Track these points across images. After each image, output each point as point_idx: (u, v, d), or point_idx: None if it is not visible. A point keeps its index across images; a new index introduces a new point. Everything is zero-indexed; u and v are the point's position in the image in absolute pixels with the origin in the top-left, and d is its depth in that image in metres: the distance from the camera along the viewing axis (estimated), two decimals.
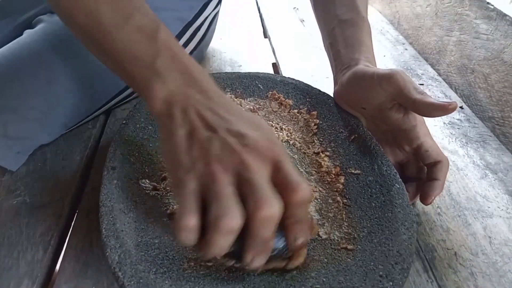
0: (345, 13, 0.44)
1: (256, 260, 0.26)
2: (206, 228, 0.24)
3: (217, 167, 0.25)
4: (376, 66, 0.42)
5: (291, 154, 0.42)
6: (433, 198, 0.35)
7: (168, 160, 0.28)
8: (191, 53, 0.58)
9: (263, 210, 0.23)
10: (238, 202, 0.24)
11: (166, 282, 0.28)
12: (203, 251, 0.25)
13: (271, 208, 0.24)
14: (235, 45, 0.73)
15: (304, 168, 0.40)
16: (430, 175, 0.36)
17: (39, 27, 0.47)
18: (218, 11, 0.62)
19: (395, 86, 0.36)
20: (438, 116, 0.35)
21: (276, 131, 0.44)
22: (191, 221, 0.24)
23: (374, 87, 0.37)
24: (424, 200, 0.36)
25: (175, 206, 0.35)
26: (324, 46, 0.48)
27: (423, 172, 0.38)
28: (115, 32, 0.27)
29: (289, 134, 0.44)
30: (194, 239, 0.24)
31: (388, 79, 0.36)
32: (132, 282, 0.27)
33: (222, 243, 0.24)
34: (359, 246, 0.32)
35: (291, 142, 0.43)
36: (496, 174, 0.45)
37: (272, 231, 0.25)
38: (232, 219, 0.23)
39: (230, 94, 0.48)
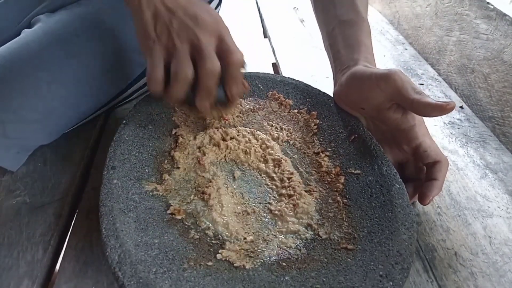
0: (345, 13, 0.45)
1: (203, 102, 0.36)
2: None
3: (177, 39, 0.34)
4: (375, 66, 0.42)
5: (291, 154, 0.42)
6: (431, 198, 0.35)
7: (139, 36, 0.37)
8: None
9: (207, 65, 0.34)
10: (191, 62, 0.34)
11: (166, 282, 0.28)
12: (168, 96, 0.36)
13: (213, 64, 0.34)
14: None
15: (304, 168, 0.40)
16: (429, 175, 0.36)
17: (37, 26, 0.46)
18: (218, 11, 0.62)
19: (393, 86, 0.36)
20: (436, 116, 0.35)
21: (276, 131, 0.44)
22: (157, 74, 0.34)
23: (372, 87, 0.37)
24: (422, 200, 0.36)
25: (173, 203, 0.35)
26: (324, 46, 0.48)
27: (422, 172, 0.38)
28: None
29: (289, 134, 0.44)
30: (160, 88, 0.35)
31: (386, 79, 0.36)
32: (132, 282, 0.27)
33: (180, 89, 0.35)
34: (359, 246, 0.32)
35: (291, 142, 0.43)
36: (496, 174, 0.45)
37: (214, 81, 0.35)
38: (186, 71, 0.34)
39: None
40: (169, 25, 0.34)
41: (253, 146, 0.41)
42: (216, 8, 0.60)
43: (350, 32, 0.43)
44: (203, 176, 0.39)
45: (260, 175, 0.40)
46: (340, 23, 0.44)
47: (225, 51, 0.35)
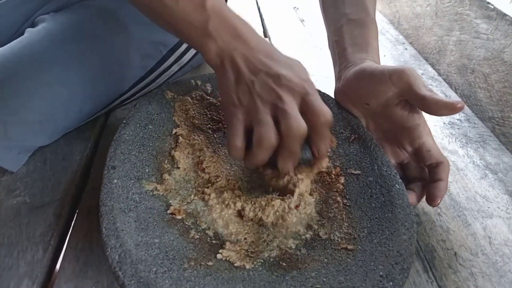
0: (354, 12, 0.44)
1: (287, 166, 0.35)
2: (250, 148, 0.34)
3: (259, 101, 0.33)
4: None
5: None
6: (440, 199, 0.35)
7: (222, 100, 0.36)
8: (192, 57, 0.58)
9: (292, 130, 0.32)
10: (274, 126, 0.33)
11: (166, 281, 0.28)
12: (249, 162, 0.35)
13: (298, 125, 0.32)
14: None
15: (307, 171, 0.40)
16: (434, 176, 0.36)
17: (41, 26, 0.46)
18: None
19: (405, 81, 0.36)
20: (445, 115, 0.35)
21: None
22: (238, 142, 0.33)
23: (384, 81, 0.37)
24: (432, 201, 0.35)
25: (173, 203, 0.35)
26: (329, 42, 0.48)
27: (424, 172, 0.38)
28: (173, 5, 0.34)
29: None
30: (240, 155, 0.34)
31: (399, 74, 0.36)
32: (132, 282, 0.27)
33: (263, 155, 0.33)
34: (359, 246, 0.32)
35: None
36: (496, 174, 0.45)
37: (299, 144, 0.33)
38: (270, 138, 0.32)
39: None
40: (251, 87, 0.33)
41: None
42: None
43: (359, 32, 0.43)
44: (203, 176, 0.39)
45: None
46: (348, 21, 0.44)
47: (312, 111, 0.33)
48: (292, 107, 0.32)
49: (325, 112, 0.33)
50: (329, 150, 0.39)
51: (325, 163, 0.38)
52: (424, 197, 0.37)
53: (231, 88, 0.34)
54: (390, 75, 0.37)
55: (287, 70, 0.33)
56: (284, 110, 0.32)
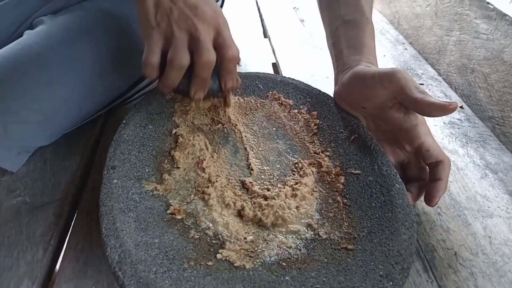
0: (349, 13, 0.44)
1: (198, 92, 0.38)
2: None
3: (175, 27, 0.35)
4: (377, 67, 0.42)
5: (291, 154, 0.42)
6: (438, 199, 0.35)
7: (140, 23, 0.37)
8: None
9: (203, 57, 0.35)
10: (187, 51, 0.36)
11: (166, 281, 0.28)
12: (162, 83, 0.37)
13: (209, 56, 0.35)
14: None
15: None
16: (433, 175, 0.36)
17: (40, 28, 0.46)
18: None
19: (396, 85, 0.36)
20: (438, 116, 0.35)
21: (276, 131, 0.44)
22: (153, 59, 0.35)
23: (375, 85, 0.37)
24: (430, 201, 0.35)
25: (173, 203, 0.35)
26: (327, 45, 0.48)
27: (424, 172, 0.38)
28: None
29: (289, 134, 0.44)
30: (155, 73, 0.36)
31: (389, 77, 0.36)
32: (132, 282, 0.27)
33: (174, 76, 0.36)
34: (359, 246, 0.32)
35: (291, 142, 0.43)
36: (496, 174, 0.45)
37: (209, 72, 0.37)
38: (181, 59, 0.35)
39: None
40: (169, 13, 0.35)
41: None
42: None
43: (354, 33, 0.43)
44: (203, 176, 0.39)
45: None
46: (344, 22, 0.44)
47: (222, 44, 0.36)
48: (205, 37, 0.35)
49: (233, 47, 0.37)
50: (235, 89, 0.44)
51: (231, 100, 0.43)
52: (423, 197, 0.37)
53: (149, 12, 0.36)
54: (381, 79, 0.36)
55: (204, 3, 0.36)
56: (198, 39, 0.35)
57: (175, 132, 0.42)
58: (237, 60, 0.38)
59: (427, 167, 0.38)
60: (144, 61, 0.36)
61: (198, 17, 0.35)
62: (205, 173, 0.39)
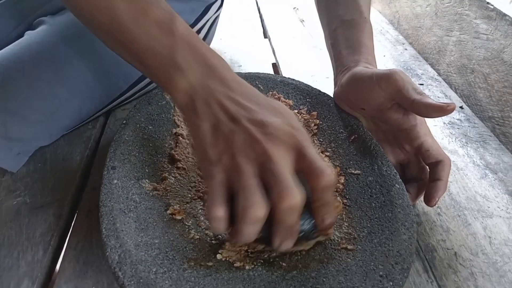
0: (347, 13, 0.44)
1: (284, 244, 0.28)
2: (235, 216, 0.26)
3: (242, 159, 0.26)
4: (376, 67, 0.42)
5: None
6: (437, 199, 0.35)
7: (197, 153, 0.30)
8: None
9: (286, 201, 0.25)
10: (263, 192, 0.26)
11: (166, 282, 0.28)
12: (234, 238, 0.27)
13: (293, 198, 0.25)
14: (235, 45, 0.73)
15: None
16: (433, 175, 0.36)
17: (40, 28, 0.46)
18: (219, 14, 0.62)
19: (394, 87, 0.36)
20: (436, 117, 0.35)
21: None
22: (219, 212, 0.26)
23: (373, 87, 0.37)
24: (429, 201, 0.35)
25: (173, 203, 0.35)
26: (326, 45, 0.48)
27: (424, 172, 0.38)
28: (135, 29, 0.28)
29: None
30: (224, 227, 0.27)
31: (387, 79, 0.36)
32: (132, 282, 0.27)
33: (250, 231, 0.26)
34: (359, 246, 0.32)
35: None
36: (496, 174, 0.45)
37: (296, 218, 0.26)
38: (257, 210, 0.25)
39: None
40: (231, 140, 0.27)
41: None
42: (217, 11, 0.60)
43: (352, 33, 0.43)
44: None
45: None
46: (342, 23, 0.44)
47: (310, 170, 0.27)
48: (283, 167, 0.26)
49: (326, 171, 0.26)
50: (336, 217, 0.31)
51: (331, 231, 0.31)
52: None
53: (206, 140, 0.27)
54: (378, 81, 0.36)
55: (274, 117, 0.27)
56: (274, 171, 0.25)
57: (175, 132, 0.42)
58: (333, 186, 0.28)
59: (427, 167, 0.38)
60: (209, 215, 0.26)
61: (270, 139, 0.26)
62: None
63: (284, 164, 0.26)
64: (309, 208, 0.28)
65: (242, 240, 0.27)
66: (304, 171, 0.27)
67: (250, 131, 0.27)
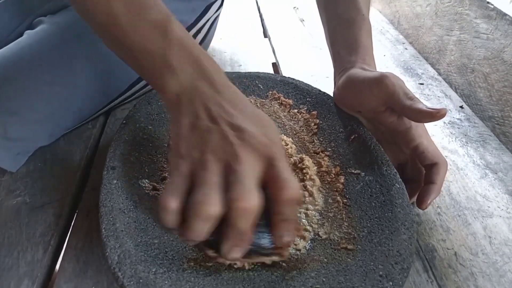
0: (346, 11, 0.44)
1: (234, 251, 0.26)
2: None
3: (210, 156, 0.26)
4: (375, 67, 0.42)
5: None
6: (428, 202, 0.35)
7: (172, 145, 0.29)
8: None
9: (242, 202, 0.24)
10: (221, 192, 0.25)
11: (166, 282, 0.28)
12: (183, 235, 0.26)
13: (249, 201, 0.25)
14: (235, 45, 0.73)
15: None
16: (427, 178, 0.36)
17: (40, 28, 0.46)
18: (219, 14, 0.62)
19: (384, 92, 0.36)
20: (427, 122, 0.35)
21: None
22: (172, 203, 0.25)
23: (365, 92, 0.37)
24: (420, 204, 0.35)
25: None
26: (327, 44, 0.48)
27: (420, 174, 0.38)
28: (130, 29, 0.28)
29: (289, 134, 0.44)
30: (173, 221, 0.26)
31: (378, 84, 0.36)
32: (132, 282, 0.27)
33: (200, 228, 0.25)
34: (359, 246, 0.32)
35: (291, 142, 0.43)
36: (496, 173, 0.45)
37: (249, 223, 0.26)
38: (210, 206, 0.25)
39: None
40: (205, 137, 0.27)
41: None
42: (217, 10, 0.60)
43: (349, 32, 0.43)
44: None
45: None
46: (340, 21, 0.44)
47: (275, 181, 0.26)
48: (248, 171, 0.25)
49: (293, 184, 0.26)
50: (292, 239, 0.29)
51: (286, 252, 0.30)
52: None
53: (183, 134, 0.28)
54: (370, 86, 0.36)
55: (254, 126, 0.27)
56: (238, 173, 0.25)
57: None
58: (297, 202, 0.27)
59: (423, 168, 0.38)
60: (161, 204, 0.26)
61: (243, 144, 0.26)
62: None
63: (249, 168, 0.26)
64: (266, 225, 0.27)
65: (190, 237, 0.26)
66: (270, 182, 0.26)
67: (226, 133, 0.27)
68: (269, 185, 0.27)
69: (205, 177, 0.25)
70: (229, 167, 0.26)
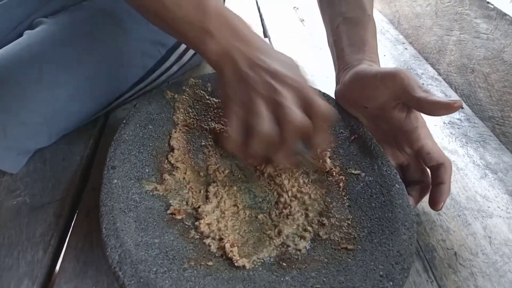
0: (350, 10, 0.44)
1: (283, 160, 0.34)
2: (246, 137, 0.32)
3: (254, 94, 0.32)
4: (379, 66, 0.42)
5: None
6: (443, 203, 0.35)
7: (221, 96, 0.36)
8: (192, 56, 0.58)
9: (291, 121, 0.31)
10: (272, 119, 0.32)
11: (166, 281, 0.28)
12: (244, 153, 0.33)
13: (296, 115, 0.31)
14: None
15: (304, 168, 0.40)
16: (436, 179, 0.36)
17: (40, 28, 0.46)
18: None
19: (399, 84, 0.35)
20: (442, 115, 0.35)
21: None
22: (233, 134, 0.32)
23: (377, 85, 0.37)
24: (435, 206, 0.35)
25: (173, 203, 0.35)
26: (328, 43, 0.48)
27: (425, 175, 0.38)
28: (173, 5, 0.34)
29: None
30: (235, 146, 0.33)
31: (392, 77, 0.36)
32: (132, 282, 0.27)
33: (257, 146, 0.32)
34: (359, 246, 0.32)
35: None
36: (496, 174, 0.45)
37: (297, 135, 0.32)
38: (264, 128, 0.31)
39: None
40: (247, 81, 0.33)
41: None
42: None
43: (355, 31, 0.43)
44: (203, 175, 0.39)
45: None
46: (345, 20, 0.44)
47: (310, 105, 0.32)
48: (289, 100, 0.32)
49: (324, 105, 0.33)
50: (329, 150, 0.39)
51: (316, 164, 0.37)
52: (424, 198, 0.37)
53: (228, 83, 0.34)
54: (382, 79, 0.36)
55: (284, 68, 0.34)
56: (281, 102, 0.31)
57: (175, 132, 0.42)
58: (330, 119, 0.33)
59: (428, 169, 0.38)
60: (226, 137, 0.33)
61: (279, 82, 0.32)
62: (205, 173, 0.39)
63: (289, 98, 0.32)
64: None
65: (251, 153, 0.33)
66: (306, 107, 0.32)
67: (265, 77, 0.32)
68: (305, 108, 0.32)
69: (254, 109, 0.32)
70: (272, 100, 0.32)
